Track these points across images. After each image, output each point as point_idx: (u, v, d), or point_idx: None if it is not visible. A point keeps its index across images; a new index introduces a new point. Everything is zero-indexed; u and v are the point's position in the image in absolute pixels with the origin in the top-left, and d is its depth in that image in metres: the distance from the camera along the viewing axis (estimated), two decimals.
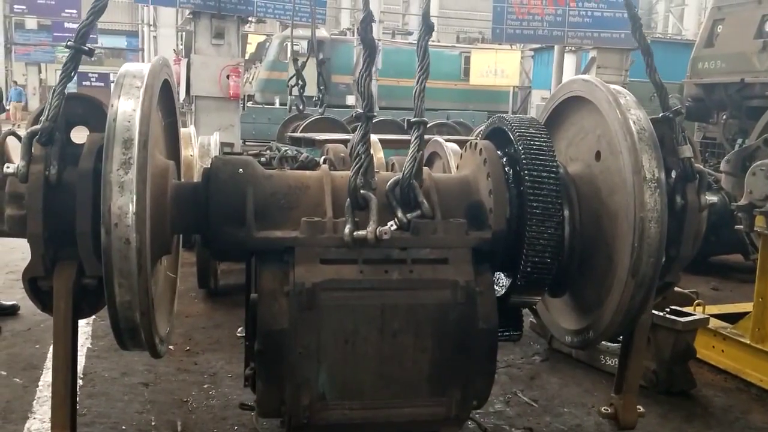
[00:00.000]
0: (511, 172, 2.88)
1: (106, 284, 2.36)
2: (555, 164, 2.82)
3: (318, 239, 2.63)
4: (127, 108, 2.40)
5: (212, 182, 2.74)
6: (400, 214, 2.68)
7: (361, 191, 2.64)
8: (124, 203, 2.29)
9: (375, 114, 2.79)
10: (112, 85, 2.54)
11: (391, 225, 2.62)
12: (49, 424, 2.61)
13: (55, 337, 2.57)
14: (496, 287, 2.94)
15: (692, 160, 2.91)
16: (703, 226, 3.12)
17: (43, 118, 2.51)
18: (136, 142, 2.33)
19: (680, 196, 2.88)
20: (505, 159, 2.93)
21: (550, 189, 2.76)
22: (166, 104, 3.04)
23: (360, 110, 2.72)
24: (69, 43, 2.60)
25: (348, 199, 2.64)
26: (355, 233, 2.58)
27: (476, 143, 3.02)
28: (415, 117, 2.81)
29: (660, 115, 2.99)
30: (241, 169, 2.78)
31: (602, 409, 3.11)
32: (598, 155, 2.95)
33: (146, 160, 2.34)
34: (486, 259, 2.79)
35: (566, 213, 2.91)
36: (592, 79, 3.04)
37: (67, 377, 2.58)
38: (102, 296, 2.51)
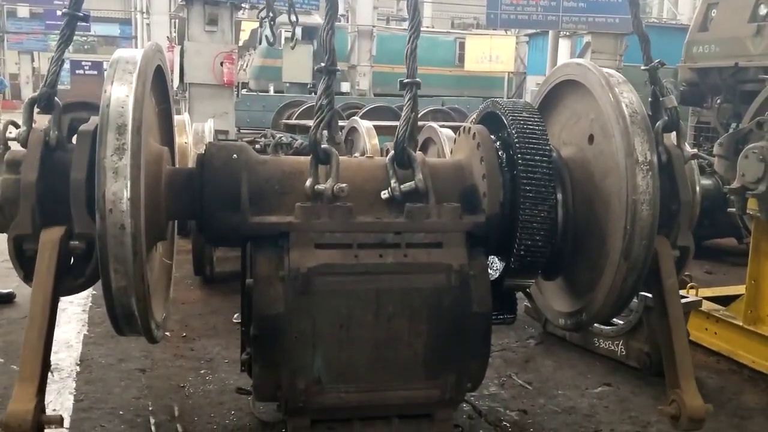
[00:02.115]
0: (504, 156, 2.89)
1: (101, 270, 2.36)
2: (548, 148, 2.83)
3: (312, 224, 2.63)
4: (120, 94, 2.39)
5: (206, 168, 2.74)
6: (393, 183, 2.68)
7: (323, 146, 2.64)
8: (118, 189, 2.29)
9: (338, 68, 2.76)
10: (106, 72, 2.55)
11: (384, 193, 2.62)
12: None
13: (35, 283, 2.41)
14: (490, 271, 2.96)
15: (677, 110, 2.90)
16: (697, 209, 3.14)
17: (41, 84, 2.56)
18: (129, 127, 2.33)
19: (662, 149, 2.85)
20: (498, 143, 2.94)
21: (543, 173, 2.77)
22: (160, 90, 3.04)
23: (323, 64, 2.71)
24: (63, 9, 2.62)
25: (310, 154, 2.65)
26: (315, 187, 2.60)
27: (470, 128, 3.03)
28: (407, 78, 2.81)
29: (643, 67, 2.98)
30: (235, 155, 2.78)
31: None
32: (591, 139, 2.96)
33: (140, 145, 2.34)
34: (480, 243, 2.81)
35: (559, 196, 2.93)
36: (585, 63, 3.04)
37: (42, 326, 2.40)
38: (87, 266, 2.52)
